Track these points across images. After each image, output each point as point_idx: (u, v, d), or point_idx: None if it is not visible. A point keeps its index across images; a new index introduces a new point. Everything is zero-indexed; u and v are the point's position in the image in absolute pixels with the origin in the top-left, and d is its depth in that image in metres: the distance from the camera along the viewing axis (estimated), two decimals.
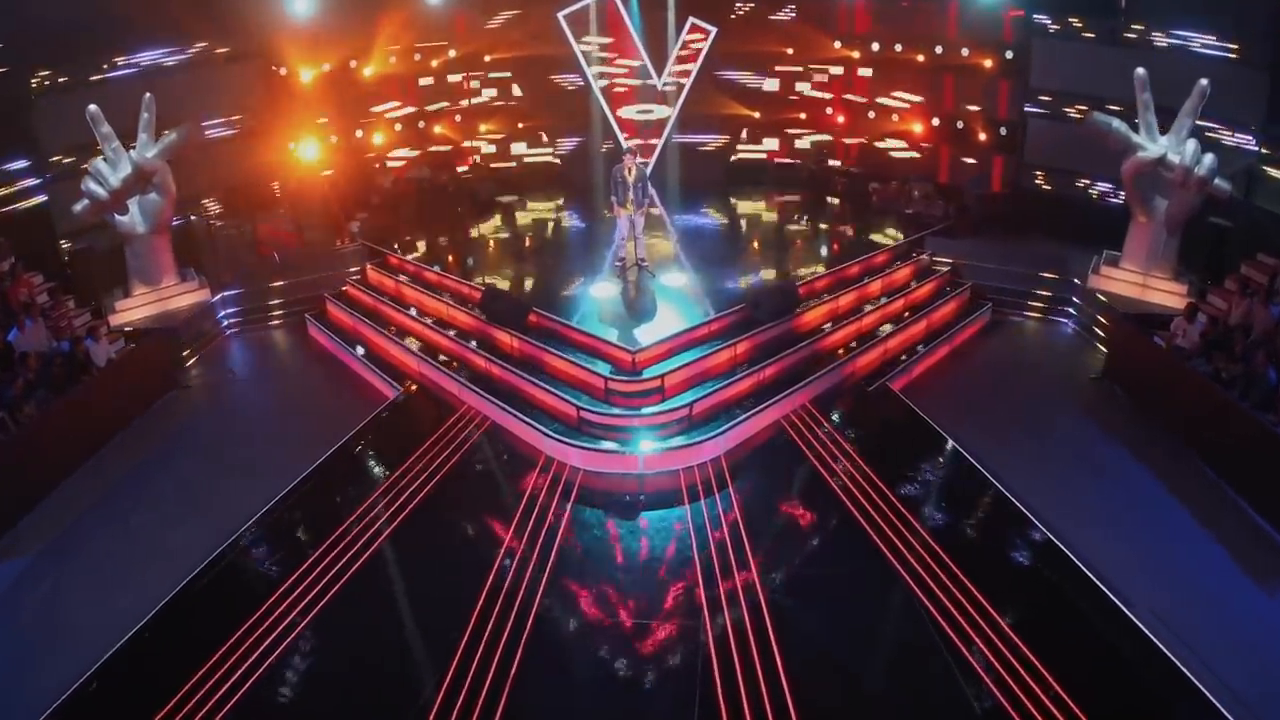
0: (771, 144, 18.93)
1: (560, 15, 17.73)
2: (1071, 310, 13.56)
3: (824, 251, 14.98)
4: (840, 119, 18.69)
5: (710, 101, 18.77)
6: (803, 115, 18.93)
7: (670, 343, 11.22)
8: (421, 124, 18.72)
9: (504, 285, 13.17)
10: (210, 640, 7.23)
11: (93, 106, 11.97)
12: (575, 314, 11.90)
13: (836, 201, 17.35)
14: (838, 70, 18.29)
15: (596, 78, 18.26)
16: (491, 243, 15.99)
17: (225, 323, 14.11)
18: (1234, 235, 13.03)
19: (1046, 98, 15.66)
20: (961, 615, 7.38)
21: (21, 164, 13.50)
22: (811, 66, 18.54)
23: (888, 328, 12.67)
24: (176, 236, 13.97)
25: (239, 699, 6.81)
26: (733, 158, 19.03)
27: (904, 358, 12.23)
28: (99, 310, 12.96)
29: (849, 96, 18.44)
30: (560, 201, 17.53)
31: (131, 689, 6.98)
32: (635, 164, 12.57)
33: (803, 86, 18.77)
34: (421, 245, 15.55)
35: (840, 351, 12.05)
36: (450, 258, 15.15)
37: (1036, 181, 16.29)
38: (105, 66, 14.40)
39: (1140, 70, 11.91)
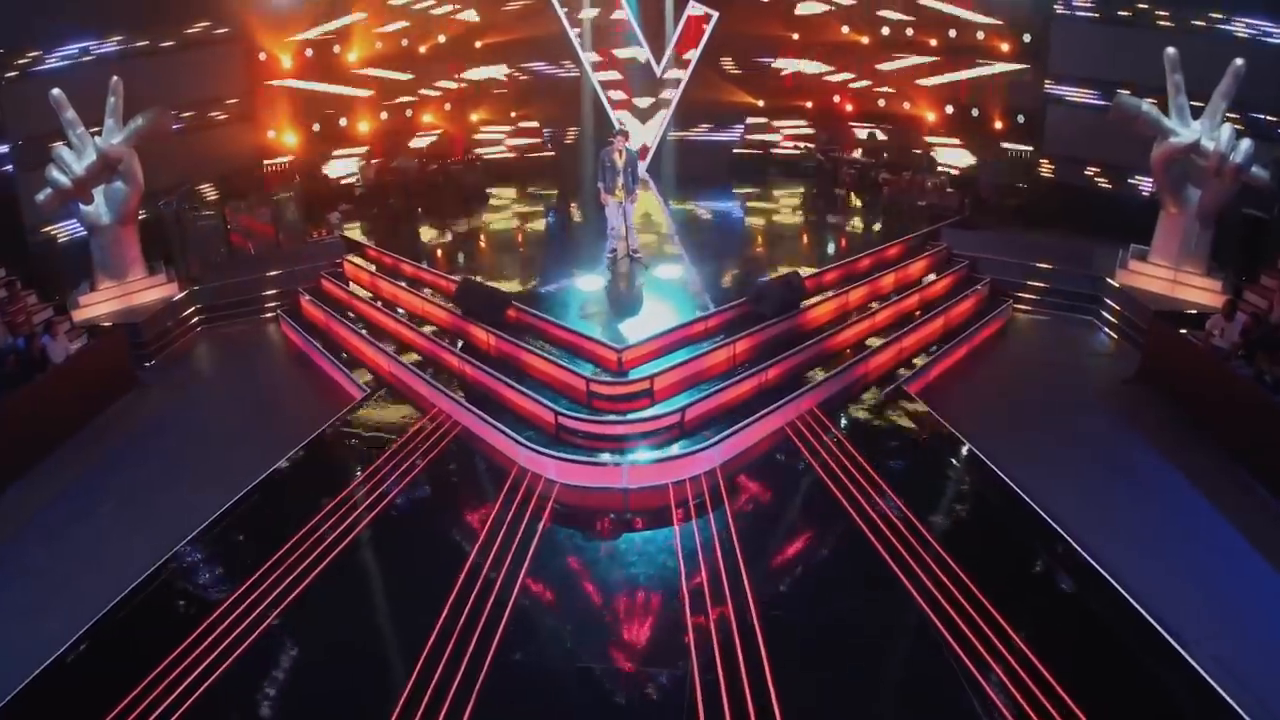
0: (776, 133, 18.39)
1: None
2: (1099, 308, 12.71)
3: (831, 244, 14.35)
4: (849, 106, 18.14)
5: (712, 88, 18.19)
6: (809, 104, 18.48)
7: (662, 339, 10.34)
8: (409, 113, 18.22)
9: (485, 279, 12.29)
10: (132, 674, 6.35)
11: (56, 90, 11.44)
12: (558, 308, 11.06)
13: (844, 193, 16.59)
14: (845, 55, 17.70)
15: (592, 66, 17.61)
16: (477, 235, 15.29)
17: (194, 319, 13.38)
18: (1271, 227, 12.28)
19: (1067, 85, 14.95)
20: (996, 661, 6.36)
21: None
22: (817, 51, 18.03)
23: (902, 325, 11.78)
24: (145, 228, 13.31)
25: None
26: (735, 148, 18.43)
27: (919, 359, 11.32)
28: (62, 306, 12.32)
29: (857, 83, 17.83)
30: (554, 192, 16.80)
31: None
32: (624, 147, 11.73)
33: (809, 71, 18.21)
34: (403, 238, 14.91)
35: (849, 351, 11.16)
36: (434, 251, 14.47)
37: (1057, 170, 15.56)
38: (77, 51, 13.66)
39: (1171, 49, 11.21)
